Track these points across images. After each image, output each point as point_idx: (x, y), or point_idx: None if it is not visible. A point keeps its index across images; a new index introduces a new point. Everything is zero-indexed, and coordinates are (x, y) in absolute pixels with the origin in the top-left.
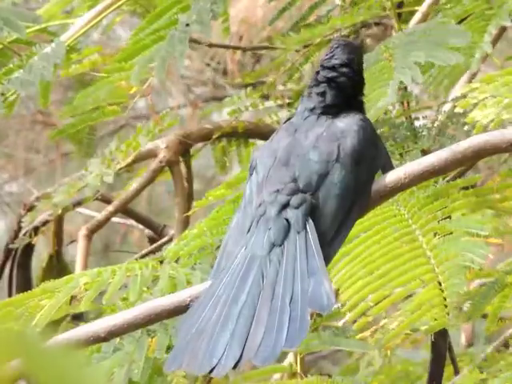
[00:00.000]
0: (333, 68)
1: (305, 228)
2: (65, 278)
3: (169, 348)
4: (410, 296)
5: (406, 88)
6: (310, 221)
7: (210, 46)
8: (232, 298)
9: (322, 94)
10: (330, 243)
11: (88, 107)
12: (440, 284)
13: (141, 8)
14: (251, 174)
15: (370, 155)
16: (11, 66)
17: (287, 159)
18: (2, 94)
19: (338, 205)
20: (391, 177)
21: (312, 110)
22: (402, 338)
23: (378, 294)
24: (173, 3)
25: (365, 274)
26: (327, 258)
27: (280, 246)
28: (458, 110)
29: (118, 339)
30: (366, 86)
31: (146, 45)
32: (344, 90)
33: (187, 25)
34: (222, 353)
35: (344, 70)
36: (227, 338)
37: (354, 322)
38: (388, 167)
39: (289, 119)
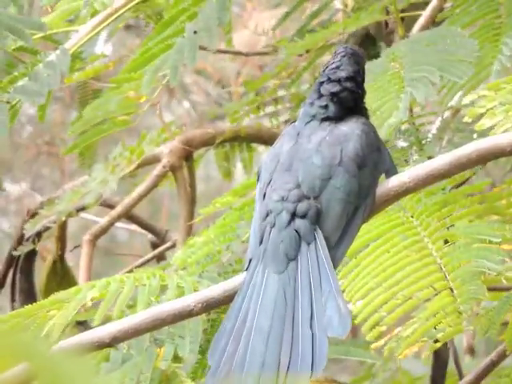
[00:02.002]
0: (338, 81)
1: (314, 239)
2: (73, 288)
3: (176, 358)
4: (423, 304)
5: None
6: (318, 230)
7: (214, 52)
8: (257, 323)
9: (325, 107)
10: (334, 248)
11: (97, 120)
12: (452, 291)
13: (144, 15)
14: (258, 181)
15: (372, 159)
16: (16, 74)
17: (290, 164)
18: (8, 103)
19: (341, 209)
20: (394, 181)
21: (314, 116)
22: (419, 346)
23: (391, 303)
24: (180, 11)
25: (376, 284)
26: (333, 263)
27: (294, 259)
28: (466, 119)
29: (125, 349)
30: (375, 98)
31: (154, 54)
32: (346, 104)
33: (195, 32)
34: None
35: (349, 84)
36: (259, 366)
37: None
38: (391, 171)
39: (291, 123)
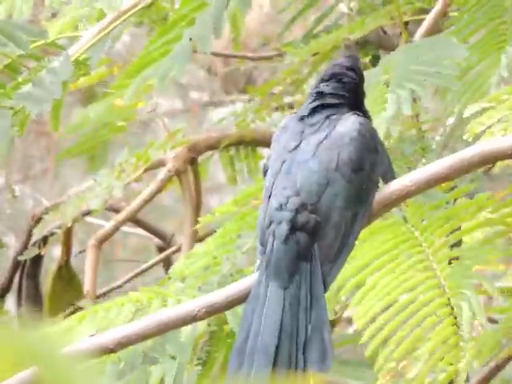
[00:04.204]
0: (324, 80)
1: (311, 258)
2: (69, 322)
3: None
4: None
5: (414, 99)
6: (315, 246)
7: (216, 55)
8: (261, 339)
9: (321, 96)
10: (333, 259)
11: (88, 126)
12: (455, 318)
13: (148, 19)
14: (264, 175)
15: (369, 161)
16: (19, 80)
17: (289, 167)
18: (11, 109)
19: (339, 218)
20: (396, 185)
21: (313, 109)
22: None
23: (394, 326)
24: (181, 17)
25: (381, 308)
26: (331, 276)
27: (295, 275)
28: (467, 136)
29: (121, 363)
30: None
31: (153, 58)
32: (336, 91)
33: (190, 39)
34: None
35: (332, 82)
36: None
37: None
38: (389, 174)
39: (295, 115)
